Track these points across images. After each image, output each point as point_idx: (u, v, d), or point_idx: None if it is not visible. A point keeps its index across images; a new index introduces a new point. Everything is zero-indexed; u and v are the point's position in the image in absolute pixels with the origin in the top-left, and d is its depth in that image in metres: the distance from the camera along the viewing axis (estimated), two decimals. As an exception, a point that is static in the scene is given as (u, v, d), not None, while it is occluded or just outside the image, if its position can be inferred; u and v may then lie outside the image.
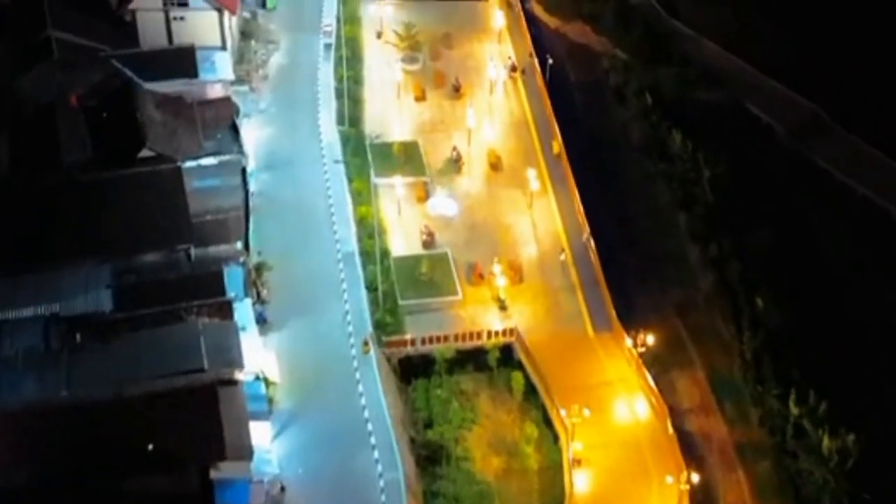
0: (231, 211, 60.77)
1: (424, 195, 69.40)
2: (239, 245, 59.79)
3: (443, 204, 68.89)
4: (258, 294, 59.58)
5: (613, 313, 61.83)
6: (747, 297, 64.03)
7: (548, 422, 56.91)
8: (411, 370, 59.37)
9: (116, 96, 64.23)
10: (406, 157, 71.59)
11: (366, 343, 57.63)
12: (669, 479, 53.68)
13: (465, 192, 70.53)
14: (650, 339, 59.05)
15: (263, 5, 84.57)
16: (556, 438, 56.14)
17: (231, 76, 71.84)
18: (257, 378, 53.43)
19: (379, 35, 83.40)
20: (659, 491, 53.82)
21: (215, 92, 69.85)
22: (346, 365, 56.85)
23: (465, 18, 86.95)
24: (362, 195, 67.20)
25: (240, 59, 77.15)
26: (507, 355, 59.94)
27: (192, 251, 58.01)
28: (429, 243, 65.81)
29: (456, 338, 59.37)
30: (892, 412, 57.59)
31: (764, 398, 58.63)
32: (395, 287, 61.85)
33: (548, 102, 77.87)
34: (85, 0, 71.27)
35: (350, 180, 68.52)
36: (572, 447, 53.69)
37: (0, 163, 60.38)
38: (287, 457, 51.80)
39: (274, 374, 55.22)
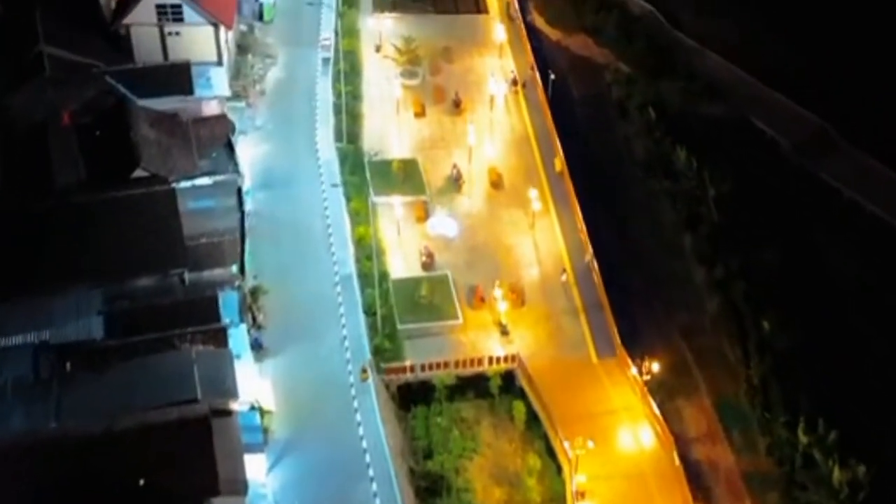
0: (226, 233, 59.35)
1: (424, 215, 68.06)
2: (234, 268, 58.31)
3: (443, 224, 67.57)
4: (254, 319, 58.14)
5: (617, 338, 60.47)
6: (754, 319, 62.78)
7: (551, 452, 55.53)
8: (410, 397, 58.03)
9: (110, 114, 62.85)
10: (405, 176, 70.23)
11: (364, 370, 56.21)
12: (675, 512, 52.41)
13: (466, 211, 69.20)
14: (655, 367, 57.63)
15: (261, 18, 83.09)
16: (559, 469, 54.74)
17: (227, 92, 70.39)
18: (252, 408, 51.93)
19: (378, 49, 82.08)
20: (665, 524, 52.55)
21: (211, 109, 68.47)
22: (344, 393, 55.35)
23: (465, 32, 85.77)
24: (360, 215, 65.86)
25: (236, 73, 75.72)
26: (509, 382, 58.58)
27: (187, 275, 56.57)
28: (428, 265, 64.45)
29: (456, 364, 58.02)
30: (905, 442, 56.42)
31: (772, 426, 57.27)
32: (394, 311, 60.52)
33: (550, 118, 76.62)
34: (78, 15, 69.79)
35: (348, 199, 67.08)
36: (576, 480, 52.27)
37: (-9, 184, 59.15)
38: (282, 490, 50.25)
39: (269, 403, 53.78)
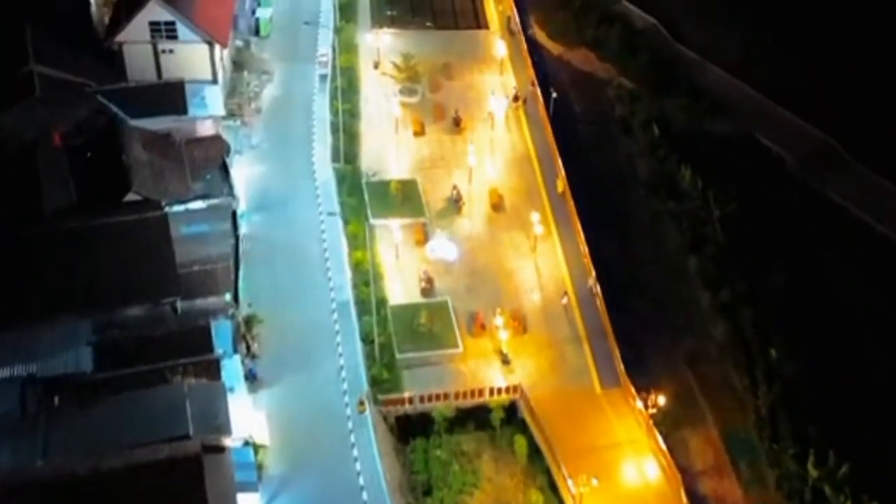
0: (220, 259, 57.63)
1: (423, 238, 66.44)
2: (228, 297, 56.68)
3: (442, 247, 65.95)
4: (248, 348, 56.65)
5: (622, 368, 58.77)
6: (761, 345, 61.28)
7: (553, 486, 53.89)
8: (409, 429, 56.39)
9: (101, 135, 61.25)
10: (404, 197, 68.65)
11: (361, 402, 54.59)
12: (682, 550, 50.92)
13: (466, 234, 67.56)
14: (661, 400, 55.99)
15: (257, 33, 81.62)
16: (562, 505, 53.34)
17: (222, 112, 68.84)
18: (246, 443, 50.43)
19: (376, 65, 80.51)
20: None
21: (205, 128, 66.83)
22: (340, 425, 53.72)
23: (465, 48, 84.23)
24: (358, 238, 64.33)
25: (231, 91, 74.20)
26: (511, 413, 56.95)
27: (179, 304, 55.03)
28: (428, 290, 62.86)
29: (457, 395, 56.37)
30: (920, 476, 54.82)
31: (780, 458, 55.64)
32: (393, 339, 58.93)
33: (551, 136, 74.99)
34: (70, 32, 68.33)
35: (346, 222, 65.49)
36: (580, 518, 50.84)
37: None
38: (277, 530, 48.96)
39: (264, 437, 52.23)
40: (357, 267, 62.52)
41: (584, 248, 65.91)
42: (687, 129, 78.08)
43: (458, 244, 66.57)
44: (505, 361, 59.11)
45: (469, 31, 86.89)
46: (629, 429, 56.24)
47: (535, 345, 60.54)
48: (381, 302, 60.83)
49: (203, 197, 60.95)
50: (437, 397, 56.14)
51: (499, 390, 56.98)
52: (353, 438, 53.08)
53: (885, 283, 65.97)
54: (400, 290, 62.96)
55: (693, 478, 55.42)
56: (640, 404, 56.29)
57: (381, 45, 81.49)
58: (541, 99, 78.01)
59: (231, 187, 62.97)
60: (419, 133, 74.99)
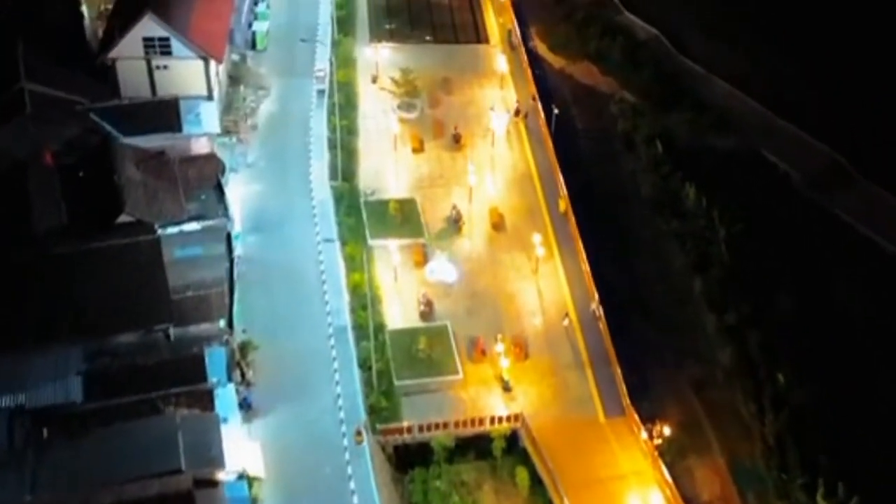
0: (214, 284, 56.26)
1: (422, 259, 64.92)
2: (222, 323, 55.29)
3: (442, 269, 64.45)
4: (242, 376, 55.16)
5: (626, 396, 57.33)
6: (768, 371, 59.90)
7: (556, 519, 52.65)
8: (408, 458, 54.91)
9: (93, 154, 60.31)
10: (403, 217, 67.18)
11: (359, 433, 53.13)
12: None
13: (466, 255, 66.04)
14: (666, 430, 54.62)
15: (253, 46, 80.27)
16: (565, 539, 51.86)
17: (217, 129, 67.62)
18: (240, 477, 49.01)
19: (374, 80, 79.08)
20: None
21: (200, 146, 65.47)
22: (337, 456, 52.29)
23: (465, 62, 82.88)
24: (356, 260, 62.86)
25: (227, 106, 72.83)
26: (513, 442, 55.50)
27: (172, 331, 53.64)
28: (427, 314, 61.40)
29: (456, 424, 54.92)
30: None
31: (789, 489, 54.27)
32: (391, 366, 57.47)
33: (552, 153, 73.61)
34: (62, 49, 67.28)
35: (343, 244, 64.03)
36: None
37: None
38: (272, 568, 47.55)
39: (258, 469, 50.71)
40: (355, 290, 61.10)
41: (587, 270, 64.48)
42: (691, 145, 76.62)
43: (457, 265, 65.13)
44: (506, 388, 57.69)
45: (469, 45, 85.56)
46: (634, 460, 54.79)
47: (537, 371, 59.11)
48: (380, 326, 59.46)
49: (197, 218, 59.74)
50: (437, 426, 54.70)
51: (500, 419, 55.56)
52: (350, 470, 51.69)
53: (890, 300, 64.39)
54: (398, 313, 61.50)
55: (699, 509, 54.22)
56: (644, 435, 54.84)
57: (379, 59, 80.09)
58: (542, 114, 76.64)
59: (226, 208, 61.58)
60: (418, 150, 73.53)
